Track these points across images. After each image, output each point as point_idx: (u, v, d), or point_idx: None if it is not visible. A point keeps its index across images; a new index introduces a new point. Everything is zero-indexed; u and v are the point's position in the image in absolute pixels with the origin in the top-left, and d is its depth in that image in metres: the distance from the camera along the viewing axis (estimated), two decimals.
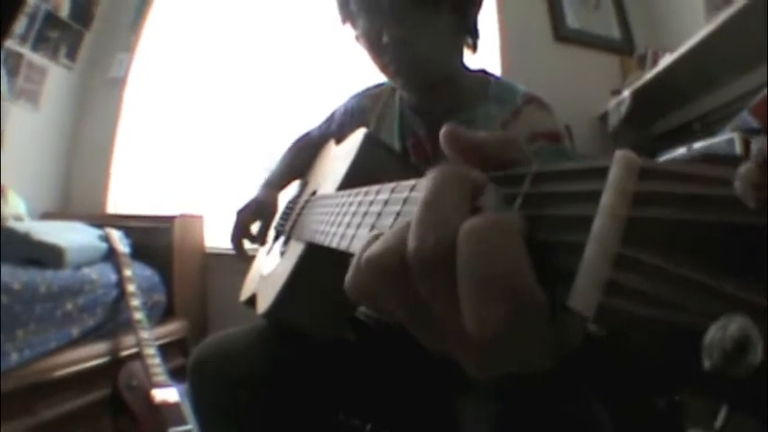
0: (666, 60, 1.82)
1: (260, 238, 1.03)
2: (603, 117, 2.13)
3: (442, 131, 0.30)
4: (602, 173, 0.21)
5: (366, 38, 0.87)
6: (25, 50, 2.38)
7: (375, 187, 0.47)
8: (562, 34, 2.28)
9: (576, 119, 2.03)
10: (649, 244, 0.18)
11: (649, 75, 1.91)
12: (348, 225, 0.49)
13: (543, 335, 0.23)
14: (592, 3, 2.33)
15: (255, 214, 1.03)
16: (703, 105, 1.86)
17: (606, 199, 0.20)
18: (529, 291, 0.21)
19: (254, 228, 1.04)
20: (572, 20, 2.30)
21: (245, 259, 1.03)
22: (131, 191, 2.55)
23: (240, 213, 1.02)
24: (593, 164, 0.23)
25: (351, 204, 0.52)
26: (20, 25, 2.31)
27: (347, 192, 0.57)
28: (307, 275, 0.71)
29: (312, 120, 1.18)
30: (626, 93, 2.01)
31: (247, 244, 1.03)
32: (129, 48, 2.66)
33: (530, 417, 0.58)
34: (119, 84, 2.62)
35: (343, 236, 0.49)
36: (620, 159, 0.21)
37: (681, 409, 1.40)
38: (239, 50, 2.64)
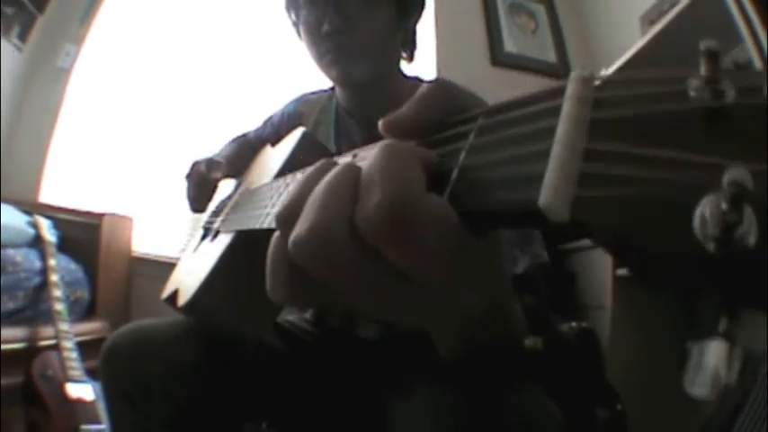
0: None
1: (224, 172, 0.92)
2: None
3: (380, 127, 0.30)
4: (559, 92, 0.21)
5: (306, 26, 0.88)
6: None
7: (313, 166, 0.46)
8: (499, 59, 2.35)
9: None
10: (616, 138, 0.18)
11: None
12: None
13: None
14: (530, 28, 2.41)
15: (211, 165, 0.93)
16: None
17: (567, 108, 0.20)
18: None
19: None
20: (509, 45, 2.37)
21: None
22: (64, 183, 2.46)
23: (195, 166, 0.93)
24: (548, 89, 0.23)
25: (287, 185, 0.49)
26: None
27: (282, 177, 0.55)
28: (233, 265, 0.66)
29: (248, 126, 1.17)
30: None
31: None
32: (78, 40, 2.57)
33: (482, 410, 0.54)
34: (64, 74, 2.53)
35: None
36: (575, 77, 0.21)
37: (623, 418, 1.38)
38: (180, 57, 2.62)
